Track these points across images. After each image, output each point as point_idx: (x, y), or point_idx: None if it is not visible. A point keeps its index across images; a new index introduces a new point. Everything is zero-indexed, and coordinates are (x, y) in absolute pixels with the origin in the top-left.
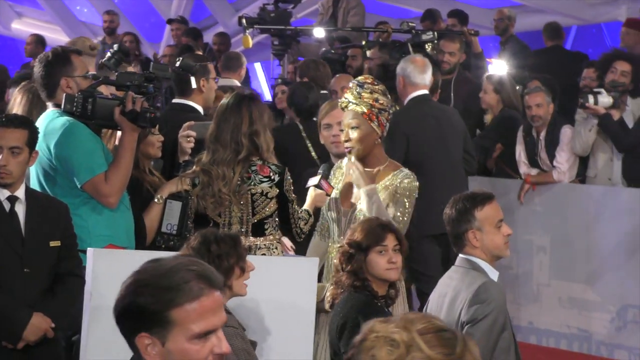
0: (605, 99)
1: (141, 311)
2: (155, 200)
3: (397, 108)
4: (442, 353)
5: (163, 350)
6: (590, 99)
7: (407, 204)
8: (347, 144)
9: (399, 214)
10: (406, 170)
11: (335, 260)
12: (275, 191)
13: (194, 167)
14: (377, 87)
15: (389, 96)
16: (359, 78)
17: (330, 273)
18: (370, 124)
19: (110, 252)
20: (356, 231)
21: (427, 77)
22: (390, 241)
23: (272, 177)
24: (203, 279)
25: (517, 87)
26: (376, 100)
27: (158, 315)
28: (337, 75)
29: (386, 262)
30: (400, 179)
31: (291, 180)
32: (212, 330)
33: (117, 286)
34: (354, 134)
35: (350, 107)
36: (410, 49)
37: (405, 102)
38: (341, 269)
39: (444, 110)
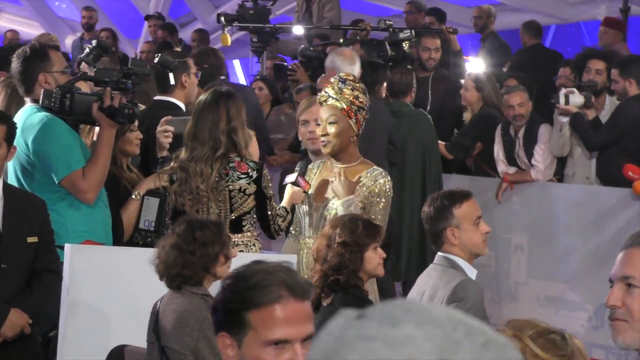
0: (577, 99)
1: (223, 308)
2: (133, 196)
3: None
4: (558, 355)
5: (239, 354)
6: (562, 98)
7: (382, 203)
8: (323, 138)
9: (372, 213)
10: (379, 169)
11: (311, 258)
12: (253, 188)
13: (172, 163)
14: (358, 85)
15: (368, 96)
16: (341, 74)
17: (303, 270)
18: (348, 120)
19: (87, 248)
20: (344, 228)
21: (356, 69)
22: (379, 237)
23: (250, 174)
24: (286, 286)
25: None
26: (356, 97)
27: (237, 314)
28: (324, 75)
29: (379, 259)
30: (374, 179)
31: (269, 177)
32: (288, 340)
33: (94, 282)
34: (331, 129)
35: (330, 102)
36: (388, 47)
37: None
38: (327, 269)
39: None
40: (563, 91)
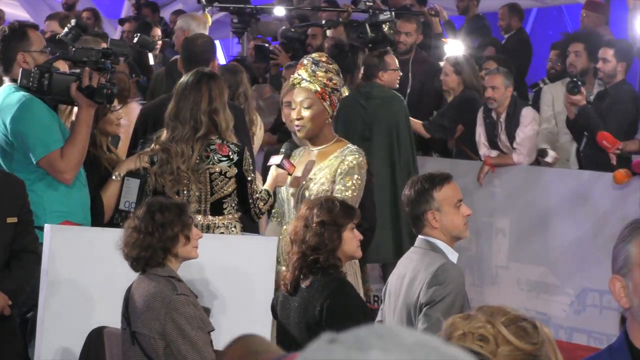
0: (557, 88)
1: None
2: (113, 177)
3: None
4: (529, 343)
5: None
6: (542, 85)
7: (351, 179)
8: (297, 122)
9: (341, 188)
10: (352, 147)
11: (288, 240)
12: (234, 170)
13: (153, 145)
14: (331, 66)
15: (342, 76)
16: (314, 55)
17: (282, 256)
18: (323, 103)
19: (67, 229)
20: (322, 208)
21: (206, 32)
22: (356, 218)
23: (231, 157)
24: None
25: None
26: (330, 79)
27: None
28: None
29: (356, 240)
30: (344, 156)
31: (251, 160)
32: None
33: (73, 263)
34: (305, 113)
35: (304, 84)
36: (368, 29)
37: None
38: (306, 249)
39: None
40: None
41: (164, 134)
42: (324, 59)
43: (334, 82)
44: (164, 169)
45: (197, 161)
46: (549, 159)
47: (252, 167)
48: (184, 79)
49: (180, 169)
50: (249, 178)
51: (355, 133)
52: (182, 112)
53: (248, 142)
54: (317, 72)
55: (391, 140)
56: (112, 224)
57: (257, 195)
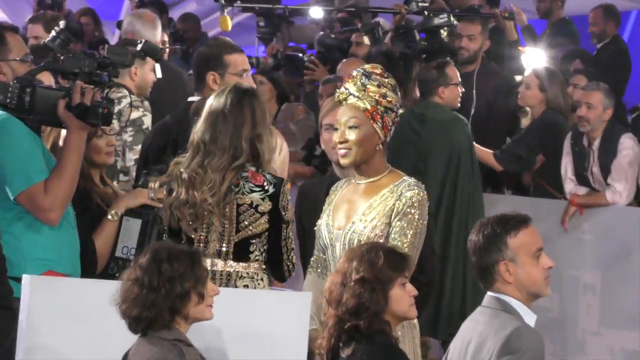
0: None
1: None
2: (109, 217)
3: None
4: None
5: None
6: None
7: (411, 222)
8: (341, 146)
9: (398, 232)
10: (410, 180)
11: (325, 300)
12: (268, 205)
13: (171, 169)
14: (386, 80)
15: (399, 93)
16: (366, 67)
17: (321, 317)
18: (373, 124)
19: (50, 281)
20: (362, 261)
21: (159, 34)
22: (408, 270)
23: (266, 188)
24: None
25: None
26: (384, 96)
27: None
28: (345, 60)
29: (409, 297)
30: (400, 192)
31: (289, 197)
32: None
33: (57, 322)
34: (351, 135)
35: (351, 100)
36: (417, 35)
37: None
38: (343, 313)
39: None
40: None
41: (190, 159)
42: (378, 71)
43: (389, 99)
44: (182, 200)
45: (225, 193)
46: None
47: (289, 209)
48: (219, 95)
49: (206, 201)
50: (286, 219)
51: (405, 164)
52: (221, 137)
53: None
54: (368, 86)
55: (448, 174)
56: (107, 274)
57: (293, 245)
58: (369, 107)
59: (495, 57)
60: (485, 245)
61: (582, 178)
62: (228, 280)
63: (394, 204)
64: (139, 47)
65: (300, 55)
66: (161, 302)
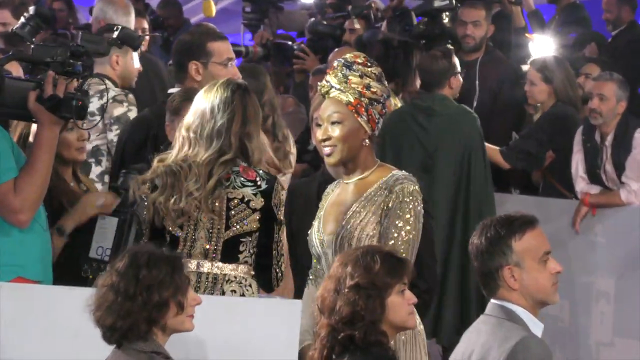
0: None
1: None
2: (56, 231)
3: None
4: None
5: None
6: None
7: (403, 218)
8: (326, 144)
9: (392, 231)
10: (398, 173)
11: (317, 308)
12: (260, 202)
13: (155, 166)
14: (370, 69)
15: (386, 83)
16: (348, 56)
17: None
18: (358, 118)
19: (20, 288)
20: (357, 266)
21: (132, 21)
22: (407, 275)
23: (259, 183)
24: None
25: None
26: (367, 87)
27: None
28: (337, 49)
29: (408, 305)
30: (389, 187)
31: (284, 196)
32: None
33: (27, 331)
34: (335, 131)
35: (333, 94)
36: (414, 19)
37: None
38: (337, 322)
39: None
40: None
41: (175, 153)
42: (360, 60)
43: (373, 90)
44: (167, 194)
45: (214, 187)
46: None
47: (282, 208)
48: (210, 87)
49: (191, 194)
50: (279, 219)
51: (412, 162)
52: (208, 130)
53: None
54: (350, 78)
55: (461, 173)
56: (79, 277)
57: (284, 251)
58: (352, 100)
59: (501, 44)
60: (488, 249)
61: (594, 176)
62: (214, 283)
63: (383, 201)
64: (115, 34)
65: (290, 43)
66: (137, 311)
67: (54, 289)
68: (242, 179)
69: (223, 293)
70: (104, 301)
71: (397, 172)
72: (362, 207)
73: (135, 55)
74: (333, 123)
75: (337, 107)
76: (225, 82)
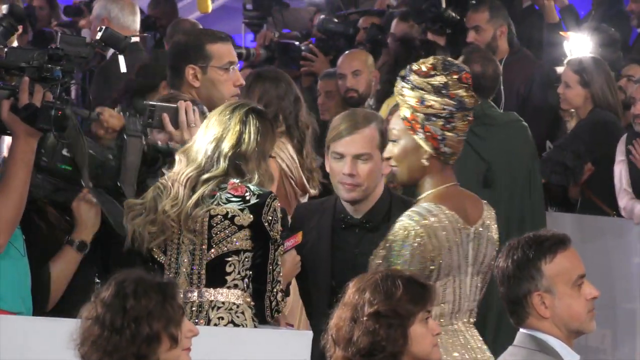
0: None
1: None
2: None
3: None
4: None
5: None
6: None
7: (393, 256)
8: (390, 162)
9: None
10: (419, 207)
11: (330, 338)
12: (247, 218)
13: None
14: (426, 80)
15: (460, 92)
16: (414, 65)
17: None
18: (414, 135)
19: None
20: (377, 292)
21: (138, 21)
22: (431, 303)
23: (247, 198)
24: None
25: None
26: (421, 100)
27: None
28: (348, 52)
29: (432, 336)
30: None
31: (280, 215)
32: None
33: None
34: (393, 150)
35: (399, 108)
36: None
37: None
38: (354, 354)
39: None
40: None
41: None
42: (423, 68)
43: (428, 104)
44: (147, 218)
45: (194, 205)
46: None
47: (279, 226)
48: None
49: (165, 212)
50: (274, 237)
51: (469, 175)
52: (195, 146)
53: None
54: (404, 91)
55: (520, 189)
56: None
57: (281, 277)
58: (407, 115)
59: (531, 43)
60: (515, 273)
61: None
62: (199, 312)
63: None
64: (98, 35)
65: (297, 43)
66: (125, 346)
67: (33, 321)
68: (228, 195)
69: (209, 321)
70: (88, 335)
71: (423, 204)
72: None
73: (122, 59)
74: (392, 141)
75: (395, 123)
76: (233, 102)
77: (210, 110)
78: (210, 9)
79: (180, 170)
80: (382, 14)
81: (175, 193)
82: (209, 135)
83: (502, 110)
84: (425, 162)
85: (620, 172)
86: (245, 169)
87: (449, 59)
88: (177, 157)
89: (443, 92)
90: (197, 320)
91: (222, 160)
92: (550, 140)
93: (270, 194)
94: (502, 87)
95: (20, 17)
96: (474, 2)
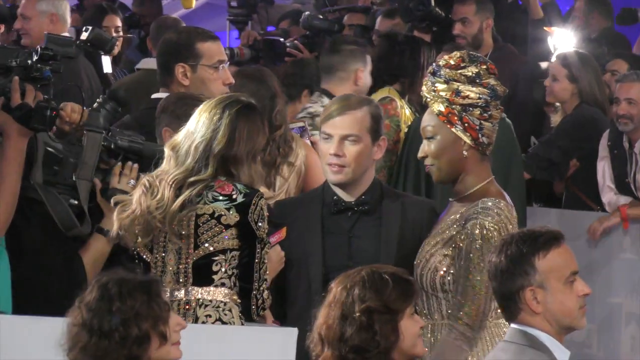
0: None
1: None
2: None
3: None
4: None
5: None
6: None
7: (473, 264)
8: (425, 162)
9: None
10: (485, 202)
11: (317, 339)
12: (234, 217)
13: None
14: (459, 71)
15: (491, 80)
16: (441, 61)
17: None
18: (452, 128)
19: None
20: (366, 288)
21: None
22: (416, 297)
23: (234, 197)
24: None
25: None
26: (456, 92)
27: None
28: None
29: (417, 329)
30: (466, 218)
31: (266, 213)
32: None
33: None
34: (430, 147)
35: (430, 104)
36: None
37: None
38: (347, 352)
39: None
40: None
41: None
42: (452, 61)
43: (464, 94)
44: (134, 216)
45: (180, 208)
46: None
47: (265, 224)
48: (208, 101)
49: (151, 213)
50: (260, 236)
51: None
52: (184, 146)
53: None
54: (437, 85)
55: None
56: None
57: (267, 276)
58: (442, 109)
59: (515, 39)
60: (508, 268)
61: (622, 185)
62: (186, 310)
63: (456, 235)
64: (84, 35)
65: (282, 39)
66: (116, 349)
67: (17, 320)
68: (214, 193)
69: (197, 319)
70: (77, 341)
71: (486, 200)
72: (438, 234)
73: (107, 60)
74: (428, 138)
75: (429, 120)
76: (223, 97)
77: None
78: (193, 4)
79: (169, 170)
80: (367, 10)
81: (162, 195)
82: (198, 136)
83: None
84: (465, 153)
85: (604, 168)
86: (234, 171)
87: (471, 52)
88: (166, 152)
89: (477, 81)
90: (184, 318)
91: (210, 163)
92: (535, 136)
93: (257, 193)
94: None
95: (4, 17)
96: None
